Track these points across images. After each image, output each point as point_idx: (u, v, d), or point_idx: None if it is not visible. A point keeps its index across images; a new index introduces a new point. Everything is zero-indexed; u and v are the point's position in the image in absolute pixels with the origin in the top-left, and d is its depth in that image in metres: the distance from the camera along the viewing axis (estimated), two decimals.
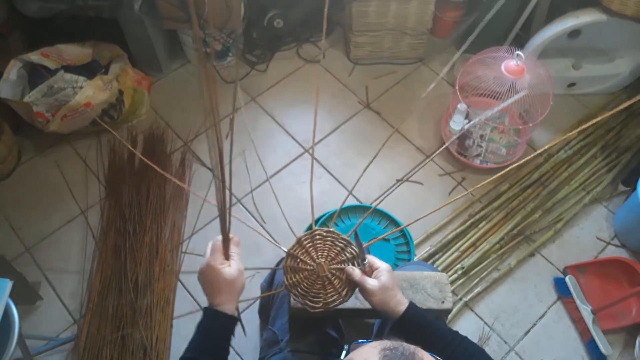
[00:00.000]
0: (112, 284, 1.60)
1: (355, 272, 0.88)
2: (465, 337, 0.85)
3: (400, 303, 0.86)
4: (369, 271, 0.89)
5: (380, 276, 0.87)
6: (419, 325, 0.85)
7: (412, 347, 0.58)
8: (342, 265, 0.90)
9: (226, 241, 0.86)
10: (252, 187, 1.85)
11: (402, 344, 0.58)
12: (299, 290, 0.90)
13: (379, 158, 1.90)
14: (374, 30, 2.04)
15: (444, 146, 1.20)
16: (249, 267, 0.96)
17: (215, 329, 0.82)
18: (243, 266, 0.87)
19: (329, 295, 0.89)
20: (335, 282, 0.90)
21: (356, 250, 0.91)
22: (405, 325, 0.85)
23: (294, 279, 0.90)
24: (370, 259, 0.91)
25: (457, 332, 0.86)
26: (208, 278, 0.84)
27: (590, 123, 0.87)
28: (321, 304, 0.89)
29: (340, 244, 0.91)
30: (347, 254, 0.91)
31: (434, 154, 1.29)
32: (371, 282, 0.87)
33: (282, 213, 1.05)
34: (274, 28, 2.09)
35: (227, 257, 0.86)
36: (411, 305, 0.86)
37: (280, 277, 1.11)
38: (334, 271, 0.90)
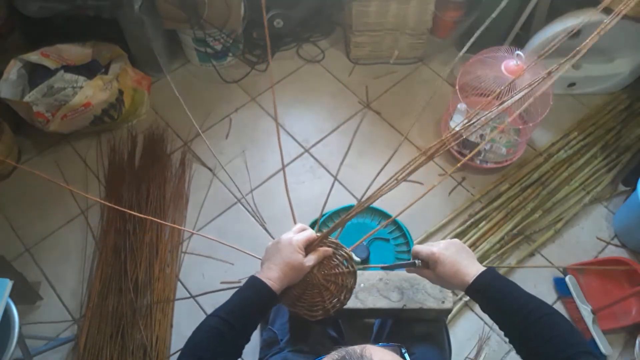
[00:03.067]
0: (112, 284, 1.60)
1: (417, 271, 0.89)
2: (548, 314, 0.74)
3: (465, 281, 0.80)
4: (432, 265, 0.86)
5: (436, 267, 0.85)
6: (487, 300, 0.79)
7: (358, 349, 0.57)
8: (336, 271, 0.88)
9: (320, 241, 0.86)
10: (252, 187, 1.85)
11: (347, 350, 0.57)
12: (298, 303, 0.88)
13: (378, 158, 1.91)
14: (374, 30, 2.04)
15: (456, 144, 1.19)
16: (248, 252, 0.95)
17: (256, 300, 0.79)
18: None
19: (327, 301, 0.87)
20: (331, 287, 0.87)
21: (347, 252, 0.90)
22: (472, 296, 0.81)
23: (289, 294, 0.87)
24: (420, 254, 0.88)
25: (540, 306, 0.75)
26: (279, 250, 0.83)
27: None
28: (320, 312, 0.87)
29: (337, 255, 0.89)
30: (339, 257, 0.89)
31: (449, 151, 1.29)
32: (426, 275, 0.87)
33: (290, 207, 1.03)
34: (274, 28, 2.09)
35: (309, 250, 0.85)
36: (476, 282, 0.79)
37: None
38: (328, 277, 0.88)
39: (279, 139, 1.02)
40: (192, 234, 1.76)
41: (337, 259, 0.89)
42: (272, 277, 0.80)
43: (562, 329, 0.72)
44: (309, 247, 0.86)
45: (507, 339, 0.77)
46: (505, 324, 0.78)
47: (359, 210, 0.90)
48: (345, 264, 0.89)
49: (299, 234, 0.86)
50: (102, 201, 1.73)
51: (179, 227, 1.73)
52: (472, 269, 0.82)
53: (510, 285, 0.79)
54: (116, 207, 1.05)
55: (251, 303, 0.79)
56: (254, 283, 0.80)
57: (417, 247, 0.89)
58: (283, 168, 1.07)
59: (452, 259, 0.83)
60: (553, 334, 0.71)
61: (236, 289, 0.81)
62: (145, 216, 1.01)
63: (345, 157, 1.91)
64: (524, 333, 0.74)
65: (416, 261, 0.89)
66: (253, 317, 0.80)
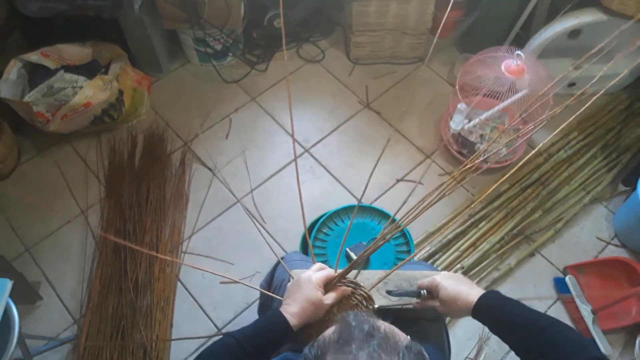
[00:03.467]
0: (112, 284, 1.60)
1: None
2: (551, 324, 0.76)
3: (469, 302, 0.84)
4: (434, 291, 0.91)
5: (439, 292, 0.89)
6: (492, 320, 0.83)
7: (364, 314, 0.61)
8: (356, 310, 0.89)
9: (338, 280, 0.89)
10: (252, 187, 1.85)
11: (354, 313, 0.61)
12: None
13: (378, 157, 1.91)
14: (374, 30, 2.04)
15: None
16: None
17: (272, 330, 0.82)
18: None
19: None
20: None
21: (366, 292, 0.92)
22: (479, 317, 0.84)
23: (308, 332, 0.88)
24: (422, 284, 0.93)
25: (543, 317, 0.78)
26: (300, 287, 0.86)
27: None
28: None
29: (356, 294, 0.92)
30: (358, 297, 0.91)
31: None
32: (432, 304, 0.90)
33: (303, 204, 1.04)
34: (274, 28, 2.09)
35: (328, 289, 0.88)
36: (479, 302, 0.83)
37: (281, 276, 1.11)
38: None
39: (292, 134, 1.02)
40: (185, 252, 1.76)
41: (356, 298, 0.91)
42: (291, 311, 0.83)
43: (568, 336, 0.73)
44: (327, 285, 0.89)
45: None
46: (513, 340, 0.79)
47: (392, 233, 0.91)
48: (364, 303, 0.91)
49: (318, 272, 0.89)
50: (111, 239, 1.68)
51: (173, 260, 1.69)
52: (474, 291, 0.86)
53: (513, 302, 0.82)
54: (116, 238, 1.05)
55: (267, 333, 0.82)
56: (274, 315, 0.83)
57: (420, 281, 0.95)
58: (297, 172, 1.07)
59: (453, 285, 0.88)
60: (559, 343, 0.72)
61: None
62: (139, 247, 1.00)
63: (346, 158, 1.93)
64: (530, 346, 0.75)
65: (422, 291, 0.93)
66: (267, 347, 0.81)
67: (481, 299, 0.83)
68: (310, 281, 0.86)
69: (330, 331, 0.60)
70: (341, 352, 0.56)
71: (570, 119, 0.91)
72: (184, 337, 1.57)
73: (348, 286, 0.91)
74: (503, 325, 0.81)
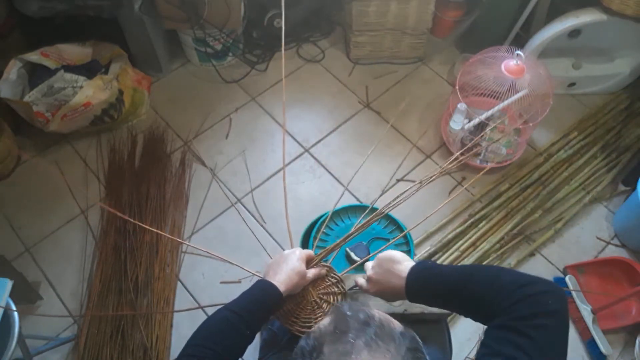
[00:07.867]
0: (112, 284, 1.60)
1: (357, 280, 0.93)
2: (473, 274, 0.74)
3: (398, 285, 0.81)
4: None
5: (367, 271, 0.89)
6: (424, 294, 0.80)
7: (359, 302, 0.62)
8: (330, 290, 0.95)
9: (318, 259, 0.95)
10: (252, 186, 1.85)
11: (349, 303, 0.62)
12: (291, 318, 0.92)
13: (379, 157, 1.91)
14: (374, 30, 2.04)
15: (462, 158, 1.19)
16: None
17: (264, 300, 0.83)
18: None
19: (319, 318, 0.92)
20: (323, 305, 0.94)
21: (338, 275, 0.97)
22: (414, 299, 0.81)
23: (285, 308, 0.93)
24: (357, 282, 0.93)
25: (462, 273, 0.75)
26: (285, 259, 0.90)
27: None
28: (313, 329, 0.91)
29: (329, 277, 0.97)
30: (332, 279, 0.97)
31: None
32: (360, 280, 0.91)
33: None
34: (274, 28, 2.09)
35: (309, 266, 0.93)
36: (408, 280, 0.80)
37: None
38: (322, 296, 0.94)
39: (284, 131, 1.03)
40: (185, 252, 1.76)
41: (330, 280, 0.97)
42: (277, 280, 0.86)
43: (501, 283, 0.72)
44: (308, 264, 0.94)
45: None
46: (449, 306, 0.78)
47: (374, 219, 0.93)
48: (338, 285, 0.97)
49: (302, 249, 0.94)
50: (121, 217, 1.71)
51: (177, 238, 1.72)
52: (403, 273, 0.81)
53: (433, 274, 0.79)
54: (122, 215, 1.06)
55: (262, 302, 0.83)
56: (262, 285, 0.85)
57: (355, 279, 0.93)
58: (284, 178, 1.07)
59: (382, 280, 0.85)
60: (497, 282, 0.71)
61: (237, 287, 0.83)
62: (147, 226, 1.01)
63: (346, 158, 1.93)
64: (465, 303, 0.74)
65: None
66: (261, 316, 0.83)
67: (408, 284, 0.80)
68: (295, 254, 0.91)
69: (325, 322, 0.61)
70: (339, 341, 0.57)
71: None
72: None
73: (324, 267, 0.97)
74: (435, 299, 0.79)
